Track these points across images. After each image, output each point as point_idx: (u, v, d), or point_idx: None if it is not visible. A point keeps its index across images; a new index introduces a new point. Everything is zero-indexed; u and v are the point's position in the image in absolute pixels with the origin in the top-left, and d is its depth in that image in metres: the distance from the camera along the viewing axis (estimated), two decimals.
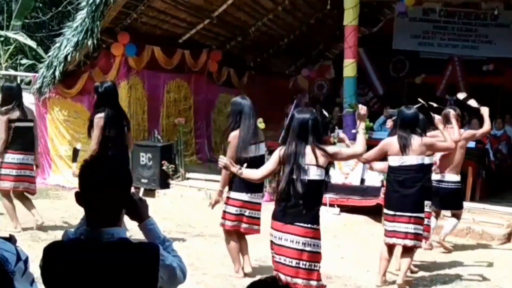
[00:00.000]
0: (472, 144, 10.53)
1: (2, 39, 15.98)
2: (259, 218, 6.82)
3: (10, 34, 16.24)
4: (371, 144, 10.88)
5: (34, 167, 8.44)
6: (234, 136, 6.61)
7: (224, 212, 6.79)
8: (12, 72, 14.59)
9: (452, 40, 15.19)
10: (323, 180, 5.08)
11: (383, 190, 9.53)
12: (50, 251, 2.53)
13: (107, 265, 2.45)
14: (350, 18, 10.81)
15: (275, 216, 5.13)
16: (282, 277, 4.97)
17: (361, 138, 5.36)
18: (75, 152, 8.49)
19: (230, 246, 6.80)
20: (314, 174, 4.98)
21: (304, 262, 5.03)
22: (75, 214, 8.21)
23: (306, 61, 16.69)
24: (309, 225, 5.00)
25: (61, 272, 2.49)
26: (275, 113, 13.65)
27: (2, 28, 16.81)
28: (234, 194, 6.69)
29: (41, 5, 19.44)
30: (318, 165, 4.99)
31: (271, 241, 5.16)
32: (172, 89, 13.24)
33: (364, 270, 7.27)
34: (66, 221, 8.95)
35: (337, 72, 14.16)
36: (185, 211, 10.28)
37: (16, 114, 8.12)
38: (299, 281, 5.03)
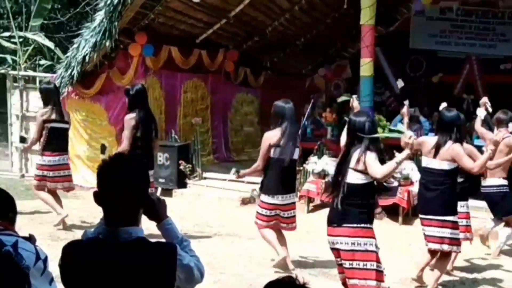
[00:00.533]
0: (482, 143, 10.47)
1: (21, 40, 16.09)
2: (294, 216, 6.96)
3: (29, 35, 16.37)
4: (388, 143, 10.94)
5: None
6: (268, 136, 6.73)
7: (257, 212, 6.95)
8: (30, 72, 14.70)
9: (470, 39, 15.09)
10: (365, 184, 5.03)
11: (400, 189, 9.56)
12: (69, 250, 2.55)
13: (125, 264, 2.47)
14: (366, 17, 10.76)
15: (328, 221, 5.24)
16: (348, 281, 5.13)
17: (389, 165, 5.01)
18: (103, 147, 8.64)
19: (266, 235, 6.89)
20: (350, 177, 5.02)
21: (358, 262, 5.06)
22: (94, 213, 8.28)
23: (322, 60, 16.67)
24: (354, 226, 5.03)
25: (79, 271, 2.51)
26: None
27: (21, 29, 16.94)
28: (265, 198, 6.84)
29: (59, 6, 19.57)
30: (357, 170, 5.00)
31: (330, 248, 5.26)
32: (189, 89, 13.30)
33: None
34: (85, 220, 9.03)
35: (353, 71, 14.12)
36: (202, 210, 10.32)
37: (52, 115, 8.31)
38: (356, 281, 5.08)
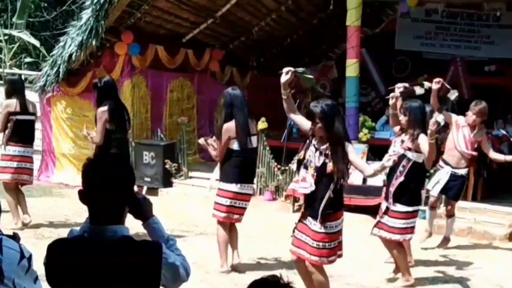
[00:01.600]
0: None
1: (6, 37, 16.04)
2: (245, 208, 6.89)
3: (14, 32, 16.31)
4: (374, 143, 11.00)
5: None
6: (227, 128, 6.62)
7: (216, 203, 6.84)
8: (16, 70, 14.64)
9: (455, 40, 15.18)
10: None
11: (384, 189, 9.61)
12: (54, 248, 2.54)
13: (110, 263, 2.46)
14: (352, 18, 10.83)
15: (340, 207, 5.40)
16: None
17: (375, 167, 5.39)
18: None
19: (221, 237, 6.83)
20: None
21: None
22: (79, 212, 8.27)
23: (309, 61, 16.70)
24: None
25: (64, 269, 2.51)
26: (278, 113, 13.67)
27: (7, 27, 16.87)
28: (225, 185, 6.76)
29: (45, 4, 19.50)
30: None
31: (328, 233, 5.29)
32: (175, 88, 13.30)
33: (366, 269, 7.31)
34: (69, 218, 9.01)
35: (339, 72, 14.18)
36: (188, 209, 10.33)
37: (17, 107, 8.20)
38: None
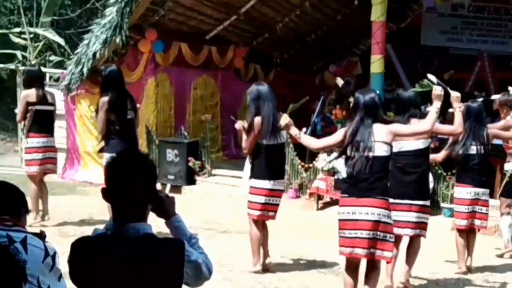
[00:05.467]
0: (499, 141, 10.40)
1: (31, 36, 16.16)
2: (278, 205, 6.82)
3: (39, 31, 16.44)
4: None
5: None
6: (257, 122, 6.54)
7: (249, 201, 6.78)
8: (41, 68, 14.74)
9: (481, 35, 15.03)
10: (389, 156, 5.23)
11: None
12: (77, 246, 2.55)
13: (133, 260, 2.47)
14: (377, 13, 10.73)
15: (347, 193, 5.26)
16: (360, 251, 5.11)
17: (432, 117, 5.46)
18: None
19: (254, 235, 6.77)
20: (379, 150, 5.12)
21: (381, 233, 5.12)
22: (103, 210, 8.25)
23: (333, 57, 16.61)
24: (381, 197, 5.13)
25: (87, 267, 2.52)
26: (302, 109, 13.61)
27: (32, 25, 17.00)
28: (257, 182, 6.68)
29: (69, 2, 19.64)
30: (384, 142, 5.16)
31: (341, 219, 5.21)
32: (199, 86, 13.31)
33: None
34: (93, 217, 9.03)
35: (364, 68, 14.08)
36: (211, 207, 10.32)
37: (36, 97, 8.17)
38: (376, 251, 5.14)
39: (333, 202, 10.26)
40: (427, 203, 6.34)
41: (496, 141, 9.76)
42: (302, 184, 10.92)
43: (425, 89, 5.88)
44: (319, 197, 10.40)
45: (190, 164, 11.52)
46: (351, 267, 5.34)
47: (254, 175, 6.75)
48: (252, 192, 6.75)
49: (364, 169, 5.08)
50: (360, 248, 5.11)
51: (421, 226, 6.23)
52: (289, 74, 15.33)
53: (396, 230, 5.79)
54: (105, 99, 7.45)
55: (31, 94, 8.19)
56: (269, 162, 6.64)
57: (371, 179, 5.10)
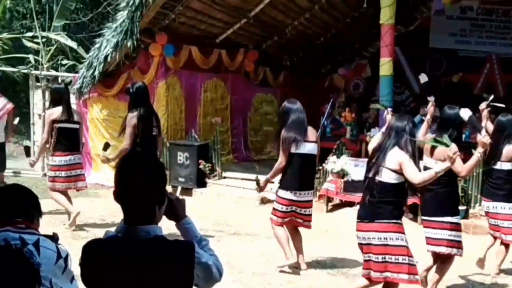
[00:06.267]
0: None
1: (43, 40, 16.28)
2: (310, 215, 6.99)
3: (51, 35, 16.56)
4: None
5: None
6: (283, 133, 6.82)
7: (274, 209, 7.00)
8: (53, 72, 14.87)
9: (490, 38, 15.03)
10: (398, 184, 5.15)
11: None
12: (89, 248, 2.57)
13: (143, 262, 2.48)
14: (386, 16, 10.77)
15: (359, 217, 5.36)
16: (374, 274, 5.21)
17: (428, 174, 5.21)
18: (106, 145, 8.63)
19: (278, 234, 6.92)
20: (385, 176, 5.13)
21: (392, 256, 5.17)
22: (114, 212, 8.38)
23: (342, 59, 16.65)
24: (388, 221, 5.16)
25: (98, 269, 2.54)
26: (311, 112, 13.68)
27: (44, 29, 17.13)
28: (283, 193, 6.87)
29: (81, 6, 19.78)
30: (392, 170, 5.13)
31: (358, 243, 5.38)
32: (209, 89, 13.38)
33: None
34: (105, 219, 9.13)
35: (373, 70, 14.11)
36: (221, 210, 10.38)
37: (61, 115, 8.29)
38: (388, 274, 5.18)
39: (343, 204, 10.32)
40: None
41: None
42: None
43: (439, 145, 5.55)
44: (329, 199, 10.45)
45: (201, 166, 11.59)
46: (370, 284, 5.45)
47: (281, 185, 6.94)
48: (277, 201, 6.97)
49: (373, 191, 5.18)
50: (375, 272, 5.23)
51: (456, 244, 6.08)
52: (299, 77, 15.38)
53: (433, 248, 6.03)
54: (134, 114, 7.55)
55: (55, 112, 8.33)
56: (296, 172, 6.82)
57: (379, 203, 5.16)
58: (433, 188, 5.87)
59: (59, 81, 13.31)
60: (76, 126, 8.54)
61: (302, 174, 6.87)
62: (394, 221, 5.18)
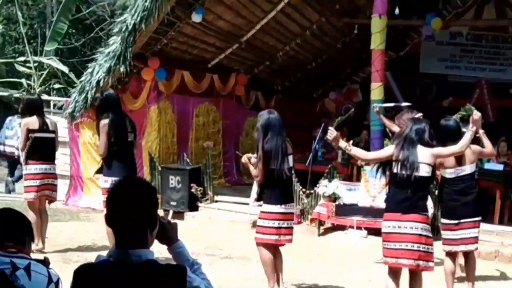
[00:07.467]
0: (500, 167, 10.52)
1: (36, 64, 16.34)
2: (292, 228, 6.82)
3: (43, 59, 16.62)
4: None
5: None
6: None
7: (260, 226, 6.75)
8: (45, 96, 14.89)
9: (480, 63, 15.20)
10: (431, 177, 5.77)
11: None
12: (80, 273, 2.57)
13: (135, 286, 2.48)
14: (377, 42, 10.87)
15: (391, 209, 5.76)
16: (403, 261, 5.65)
17: (466, 139, 5.90)
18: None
19: (266, 259, 6.69)
20: (423, 171, 5.62)
21: (424, 246, 5.65)
22: (106, 236, 8.35)
23: (333, 84, 16.78)
24: (423, 213, 5.68)
25: None
26: (303, 136, 13.76)
27: (36, 54, 17.20)
28: (269, 207, 6.68)
29: (74, 31, 19.89)
30: (427, 164, 5.66)
31: (386, 232, 5.75)
32: (201, 113, 13.43)
33: None
34: (97, 243, 9.10)
35: (364, 95, 14.23)
36: (213, 233, 10.37)
37: (36, 125, 8.24)
38: (420, 262, 5.65)
39: (335, 228, 10.34)
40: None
41: (492, 166, 9.95)
42: (304, 210, 10.98)
43: (467, 113, 6.51)
44: (321, 223, 10.45)
45: (193, 190, 11.59)
46: (394, 274, 5.85)
47: (266, 200, 6.72)
48: (263, 217, 6.71)
49: (411, 187, 5.61)
50: (404, 259, 5.64)
51: (477, 240, 6.91)
52: (290, 101, 15.47)
53: (465, 247, 6.76)
54: (106, 121, 7.56)
55: (31, 121, 8.27)
56: (280, 187, 6.66)
57: (415, 197, 5.63)
58: (473, 192, 6.78)
59: (51, 105, 13.31)
60: (52, 135, 8.47)
61: (286, 187, 6.76)
62: (425, 213, 5.71)
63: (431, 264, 5.72)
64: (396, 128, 7.37)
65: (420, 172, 5.60)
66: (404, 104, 9.05)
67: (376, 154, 6.34)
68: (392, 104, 8.99)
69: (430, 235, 5.74)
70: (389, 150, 5.90)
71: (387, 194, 6.03)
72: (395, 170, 5.69)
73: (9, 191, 13.60)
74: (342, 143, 6.08)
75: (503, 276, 8.25)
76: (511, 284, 7.89)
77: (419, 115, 7.05)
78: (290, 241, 6.83)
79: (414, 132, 5.74)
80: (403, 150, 5.68)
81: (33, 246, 7.62)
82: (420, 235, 5.61)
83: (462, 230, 6.72)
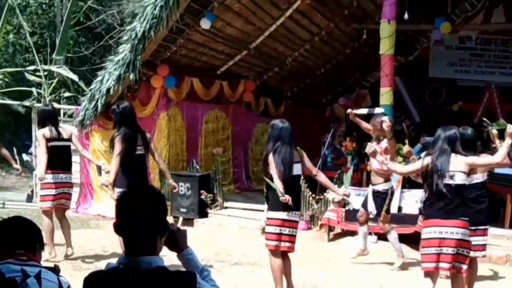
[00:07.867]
0: (510, 171, 10.45)
1: (45, 73, 16.40)
2: (295, 236, 6.82)
3: (53, 68, 16.69)
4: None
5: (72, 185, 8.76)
6: (271, 159, 6.64)
7: (267, 233, 6.83)
8: (55, 105, 14.96)
9: (489, 67, 15.15)
10: (465, 185, 5.99)
11: (420, 218, 9.54)
12: (90, 280, 2.57)
13: None
14: (386, 47, 10.86)
15: (432, 215, 5.98)
16: (445, 265, 5.87)
17: (503, 150, 6.04)
18: (98, 168, 8.62)
19: (274, 266, 6.73)
20: (459, 179, 5.87)
21: (463, 249, 5.93)
22: (116, 243, 8.37)
23: (342, 90, 16.76)
24: (463, 219, 5.89)
25: None
26: (312, 142, 13.74)
27: (46, 63, 17.29)
28: (273, 214, 6.74)
29: (83, 40, 20.00)
30: (463, 172, 5.90)
31: (427, 238, 5.97)
32: (210, 120, 13.46)
33: None
34: (107, 250, 9.12)
35: (373, 100, 14.19)
36: (223, 239, 10.37)
37: (51, 134, 8.31)
38: (456, 264, 5.91)
39: (344, 233, 10.32)
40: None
41: (503, 171, 9.88)
42: (313, 216, 10.97)
43: (502, 128, 6.62)
44: (330, 229, 10.43)
45: (202, 197, 11.60)
46: (431, 278, 6.03)
47: (270, 206, 6.80)
48: (268, 223, 6.82)
49: (449, 195, 5.82)
50: (445, 263, 5.87)
51: (485, 248, 7.13)
52: (299, 107, 15.48)
53: (473, 253, 6.65)
54: (119, 135, 7.63)
55: (45, 131, 8.35)
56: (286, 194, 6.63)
57: (455, 203, 5.85)
58: (485, 200, 6.95)
59: (61, 113, 13.38)
60: (67, 143, 8.54)
61: (291, 195, 6.64)
62: (465, 218, 5.90)
63: (464, 266, 5.97)
64: (367, 125, 8.50)
65: (456, 180, 5.85)
66: (377, 110, 9.08)
67: (412, 167, 6.47)
68: (365, 111, 9.04)
69: (470, 240, 6.03)
70: (424, 161, 6.05)
71: (424, 202, 6.20)
72: (432, 180, 5.89)
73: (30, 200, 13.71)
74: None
75: None
76: None
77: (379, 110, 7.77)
78: (290, 248, 6.82)
79: (446, 140, 5.95)
80: (437, 161, 5.89)
81: (46, 255, 7.71)
82: (461, 239, 5.86)
83: (473, 237, 6.67)
